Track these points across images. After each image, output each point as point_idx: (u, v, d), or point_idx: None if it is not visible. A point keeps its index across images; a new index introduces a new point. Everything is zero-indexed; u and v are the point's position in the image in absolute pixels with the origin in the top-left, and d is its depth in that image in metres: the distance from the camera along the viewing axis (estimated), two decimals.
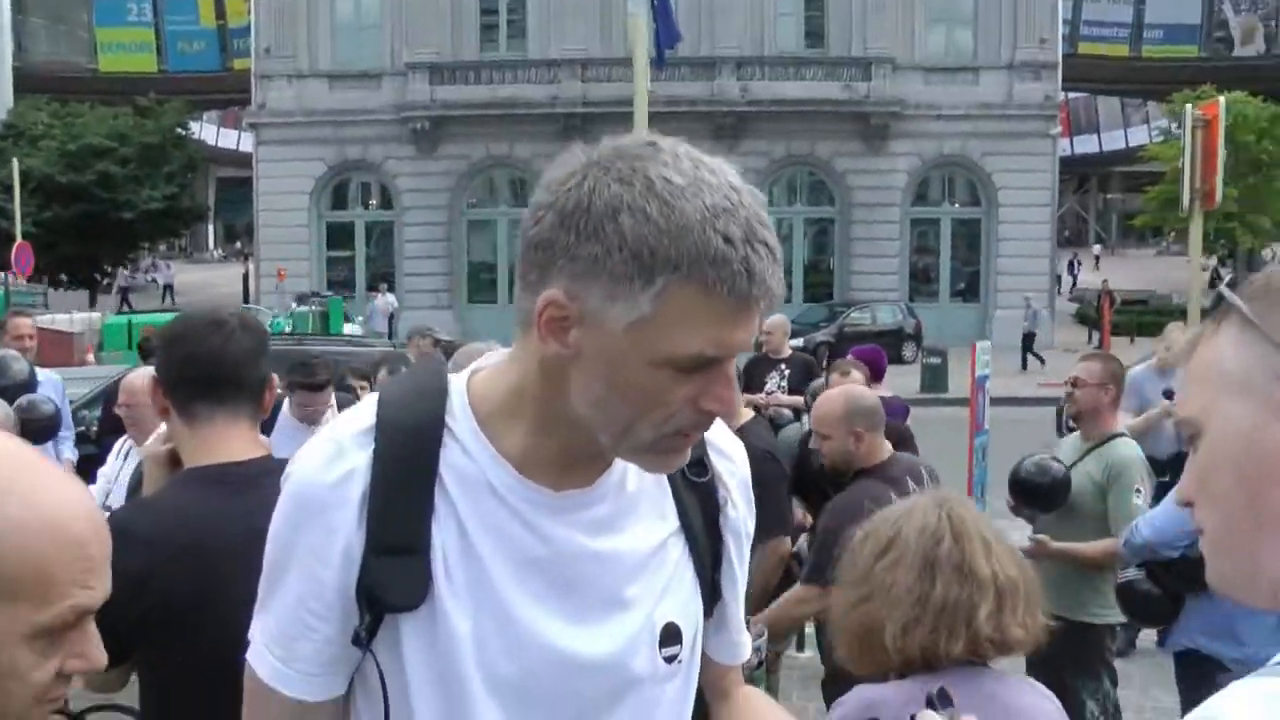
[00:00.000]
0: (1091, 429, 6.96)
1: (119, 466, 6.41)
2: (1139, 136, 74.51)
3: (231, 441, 3.04)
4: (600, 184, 1.65)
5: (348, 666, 1.85)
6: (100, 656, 1.70)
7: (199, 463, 3.03)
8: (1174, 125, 50.39)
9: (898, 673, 2.83)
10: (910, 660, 2.78)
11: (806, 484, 6.58)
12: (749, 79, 43.25)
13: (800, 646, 8.89)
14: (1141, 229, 64.99)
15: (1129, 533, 5.97)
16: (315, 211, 44.79)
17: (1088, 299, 51.88)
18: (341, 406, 7.07)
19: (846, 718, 2.76)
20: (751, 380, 11.34)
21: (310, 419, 6.76)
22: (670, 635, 1.92)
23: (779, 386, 10.95)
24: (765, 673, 5.83)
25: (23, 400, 8.00)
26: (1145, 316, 44.29)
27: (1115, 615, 6.64)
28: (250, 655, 1.89)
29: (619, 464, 1.88)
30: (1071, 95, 64.17)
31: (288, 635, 1.83)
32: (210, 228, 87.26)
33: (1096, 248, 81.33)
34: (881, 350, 10.66)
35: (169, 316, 22.51)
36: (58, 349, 19.59)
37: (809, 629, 8.07)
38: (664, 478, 1.94)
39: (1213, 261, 51.99)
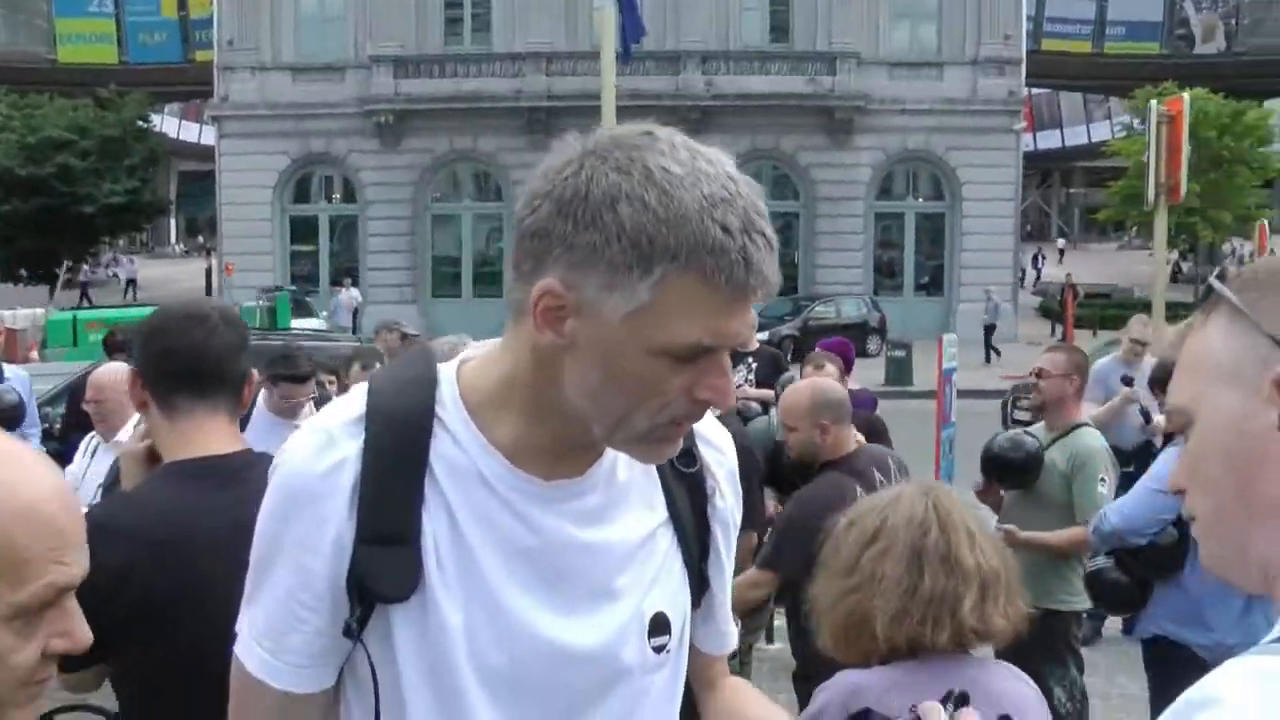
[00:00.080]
0: (1056, 419, 7.05)
1: (86, 464, 6.36)
2: (1101, 132, 74.99)
3: (211, 435, 3.02)
4: (598, 173, 1.64)
5: (337, 658, 1.84)
6: (85, 634, 1.68)
7: (178, 456, 3.01)
8: (1136, 121, 50.85)
9: (880, 659, 2.84)
10: (897, 649, 2.80)
11: (779, 476, 6.59)
12: (714, 73, 43.31)
13: (770, 639, 8.91)
14: (1104, 223, 65.37)
15: (1098, 520, 6.02)
16: (278, 205, 44.61)
17: (1051, 292, 52.22)
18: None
19: (831, 702, 2.77)
20: None
21: (291, 412, 6.72)
22: (659, 625, 1.91)
23: (746, 380, 10.94)
24: (739, 664, 5.84)
25: None
26: (1108, 310, 44.69)
27: (1081, 603, 6.72)
28: (238, 648, 1.87)
29: (609, 454, 1.87)
30: (1035, 91, 64.48)
31: (277, 627, 1.82)
32: (172, 222, 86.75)
33: (1060, 242, 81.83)
34: (850, 343, 10.71)
35: (126, 313, 22.35)
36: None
37: (778, 621, 8.10)
38: (653, 468, 1.94)
39: (1174, 255, 52.35)
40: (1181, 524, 5.79)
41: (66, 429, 10.01)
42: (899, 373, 29.62)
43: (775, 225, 1.70)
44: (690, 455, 1.99)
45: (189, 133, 76.70)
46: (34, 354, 23.40)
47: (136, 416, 6.59)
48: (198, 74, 51.69)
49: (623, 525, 1.89)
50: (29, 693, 1.66)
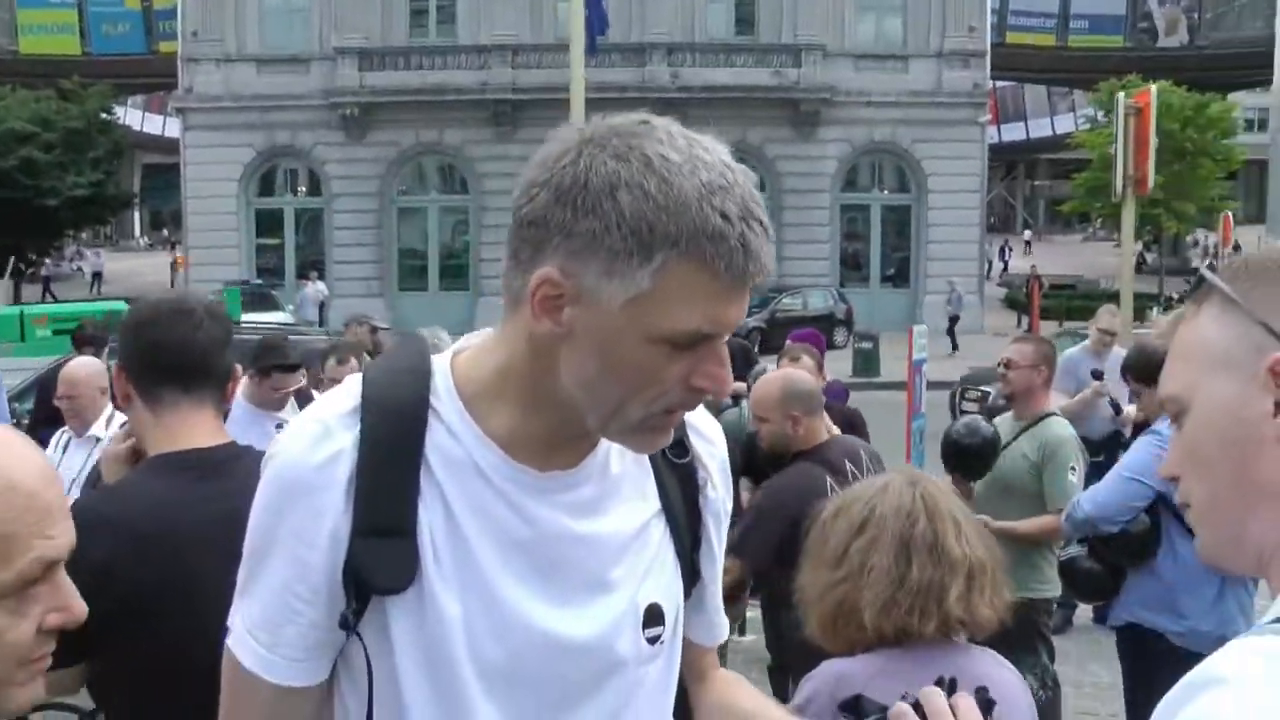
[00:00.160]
0: (1024, 409, 7.11)
1: (58, 459, 6.34)
2: (1065, 125, 75.35)
3: (197, 429, 3.01)
4: (597, 161, 1.64)
5: (332, 651, 1.83)
6: (80, 607, 1.67)
7: (164, 450, 3.00)
8: (1100, 113, 51.12)
9: (865, 648, 2.85)
10: (885, 638, 2.82)
11: (754, 467, 6.61)
12: (680, 65, 43.31)
13: (742, 631, 8.93)
14: (1069, 215, 65.73)
15: (1070, 508, 6.07)
16: (244, 198, 44.37)
17: (1016, 284, 52.48)
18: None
19: (819, 691, 2.78)
20: None
21: (276, 404, 6.70)
22: (653, 616, 1.92)
23: None
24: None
25: None
26: (1074, 301, 44.94)
27: (1052, 590, 6.78)
28: (231, 642, 1.86)
29: (603, 446, 1.88)
30: (999, 83, 64.67)
31: (272, 620, 1.80)
32: (136, 215, 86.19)
33: (1027, 233, 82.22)
34: (821, 335, 10.75)
35: (78, 308, 22.04)
36: None
37: (752, 613, 8.11)
38: (645, 459, 1.94)
39: (1138, 247, 52.66)
40: (1154, 511, 5.84)
41: (35, 424, 9.93)
42: (866, 364, 29.71)
43: None
44: (682, 446, 1.99)
45: (153, 125, 76.16)
46: None
47: (109, 410, 6.61)
48: (161, 65, 51.31)
49: (616, 516, 1.89)
50: (29, 671, 1.66)
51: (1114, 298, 23.99)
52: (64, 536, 1.63)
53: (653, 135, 1.67)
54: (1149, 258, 57.02)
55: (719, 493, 2.08)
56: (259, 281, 39.71)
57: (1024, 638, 6.52)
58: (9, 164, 45.20)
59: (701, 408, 1.93)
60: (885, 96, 43.79)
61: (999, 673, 2.91)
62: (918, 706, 1.80)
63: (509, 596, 1.79)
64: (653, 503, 1.95)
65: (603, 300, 1.65)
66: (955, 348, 35.28)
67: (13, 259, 44.12)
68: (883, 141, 44.31)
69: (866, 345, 30.57)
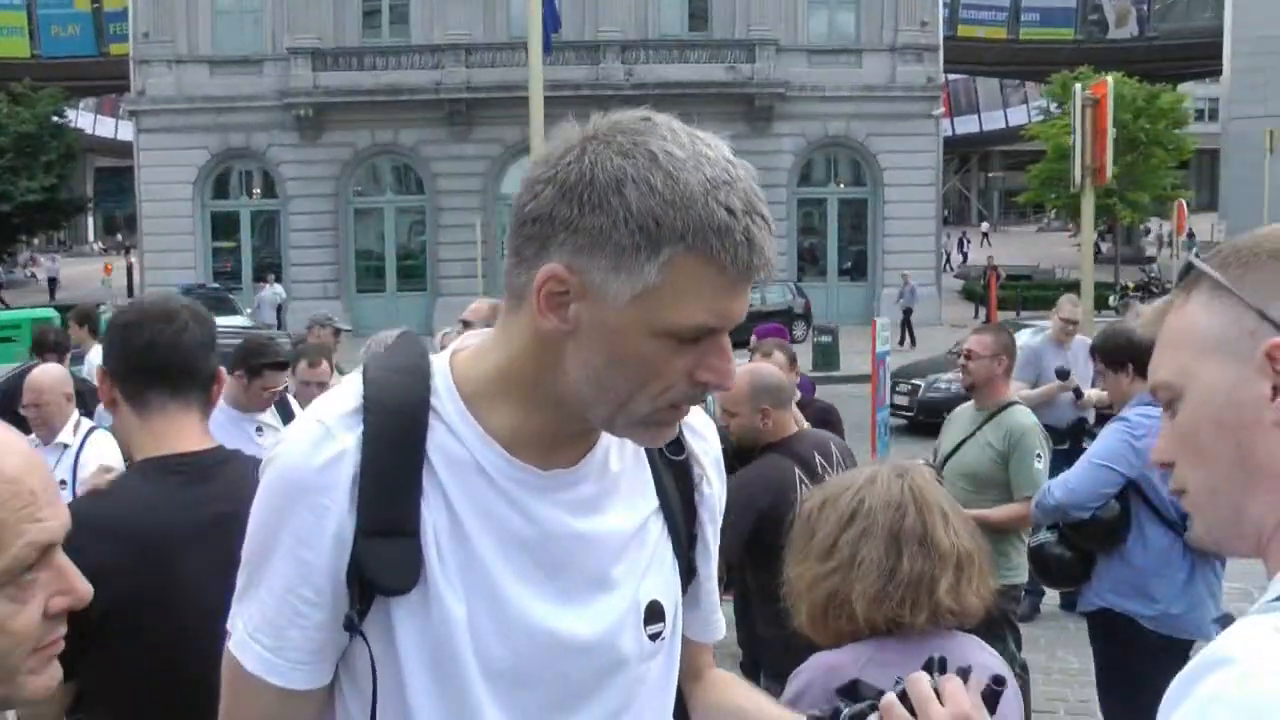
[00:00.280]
0: (986, 399, 7.17)
1: None
2: (1018, 117, 75.99)
3: (184, 432, 3.01)
4: (602, 157, 1.65)
5: (336, 653, 1.82)
6: (84, 588, 1.66)
7: (151, 454, 2.98)
8: (1053, 105, 51.52)
9: (854, 638, 2.86)
10: (876, 629, 2.84)
11: (727, 460, 6.62)
12: (633, 62, 43.29)
13: None
14: (1023, 206, 66.14)
15: (1040, 495, 6.11)
16: (199, 201, 44.07)
17: (973, 275, 52.79)
18: None
19: (812, 683, 2.78)
20: None
21: (264, 405, 6.66)
22: (654, 613, 1.93)
23: None
24: None
25: None
26: (1030, 291, 45.30)
27: (1018, 577, 6.84)
28: (232, 645, 1.84)
29: (601, 444, 1.89)
30: (952, 77, 65.02)
31: (275, 623, 1.79)
32: (90, 220, 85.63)
33: (984, 225, 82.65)
34: (784, 329, 10.76)
35: (15, 315, 21.76)
36: None
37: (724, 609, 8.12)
38: (643, 457, 1.96)
39: (1093, 236, 53.11)
40: (1123, 497, 5.89)
41: None
42: (826, 358, 29.74)
43: None
44: (678, 443, 2.01)
45: (105, 128, 75.75)
46: None
47: (76, 416, 6.56)
48: (113, 68, 51.02)
49: (616, 514, 1.89)
50: (40, 658, 1.65)
51: (1071, 287, 24.12)
52: (55, 519, 1.62)
53: (656, 132, 1.68)
54: (1103, 247, 57.44)
55: (714, 489, 2.09)
56: (216, 285, 39.46)
57: (992, 625, 6.55)
58: None
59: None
60: (839, 91, 43.90)
61: (985, 658, 2.93)
62: (904, 696, 1.82)
63: (513, 596, 1.79)
64: (651, 500, 1.96)
65: (609, 295, 1.66)
66: (913, 342, 35.40)
67: None
68: (837, 136, 44.41)
69: (826, 339, 30.58)
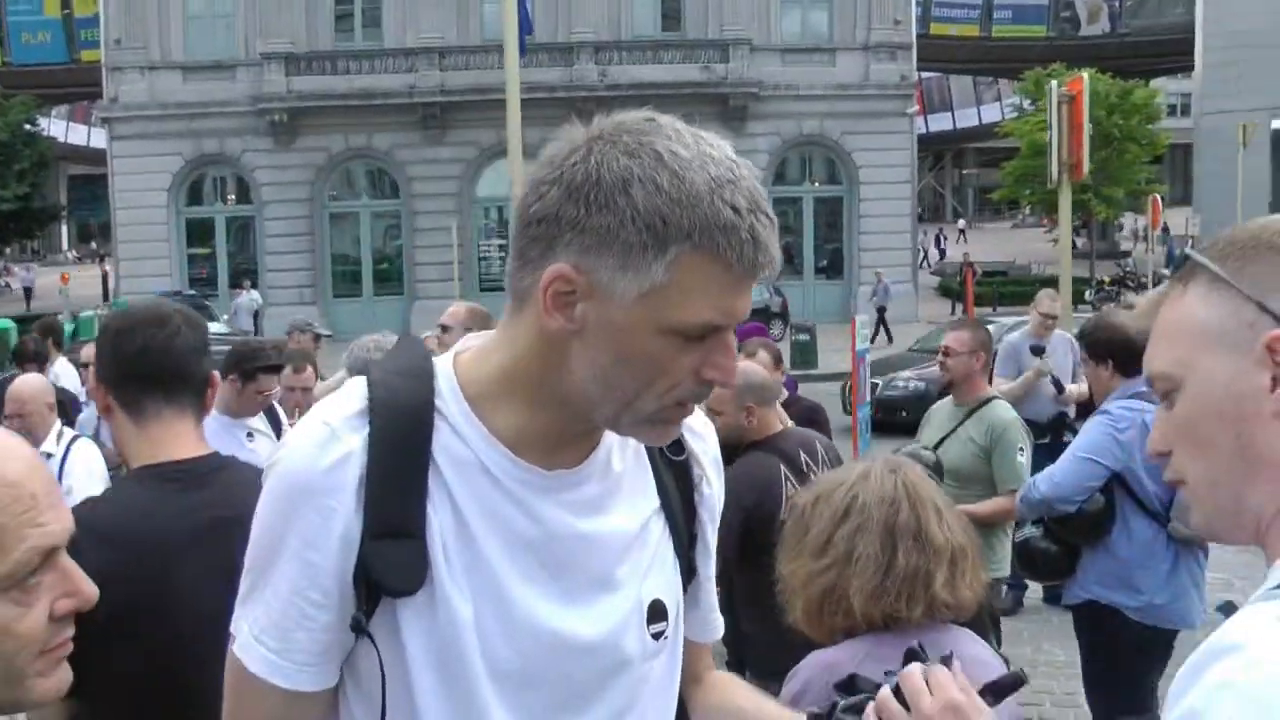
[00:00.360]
0: (965, 395, 7.23)
1: None
2: (991, 114, 76.24)
3: (181, 439, 3.00)
4: (607, 157, 1.67)
5: (341, 654, 1.82)
6: (90, 589, 1.67)
7: (147, 461, 2.97)
8: (1026, 102, 51.72)
9: (846, 635, 2.87)
10: (873, 624, 2.85)
11: None
12: (607, 63, 43.29)
13: None
14: (998, 203, 66.41)
15: (1026, 490, 6.14)
16: (173, 208, 43.86)
17: (949, 272, 52.96)
18: None
19: (812, 680, 2.79)
20: None
21: (256, 409, 6.64)
22: (656, 612, 1.93)
23: None
24: None
25: None
26: (1006, 287, 45.40)
27: (1001, 571, 6.87)
28: (236, 648, 1.83)
29: (604, 444, 1.89)
30: (925, 75, 65.18)
31: (281, 625, 1.79)
32: (64, 228, 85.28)
33: (960, 221, 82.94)
34: (765, 327, 10.78)
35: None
36: None
37: None
38: (644, 457, 1.97)
39: (1070, 232, 53.37)
40: (1107, 490, 5.91)
41: None
42: (804, 356, 29.79)
43: None
44: (678, 444, 2.02)
45: (77, 135, 75.41)
46: None
47: (58, 426, 6.53)
48: (84, 75, 50.85)
49: (619, 514, 1.90)
50: (49, 660, 1.65)
51: (1047, 282, 24.17)
52: (58, 523, 1.62)
53: (661, 132, 1.70)
54: (1078, 242, 57.65)
55: (713, 489, 2.11)
56: (192, 292, 39.31)
57: (975, 619, 6.60)
58: None
59: None
60: (813, 89, 43.95)
61: (979, 650, 2.95)
62: (898, 691, 1.83)
63: (518, 596, 1.80)
64: (652, 500, 1.97)
65: (616, 294, 1.67)
66: (890, 339, 35.48)
67: None
68: (812, 134, 44.48)
69: (804, 337, 30.63)
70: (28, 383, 6.72)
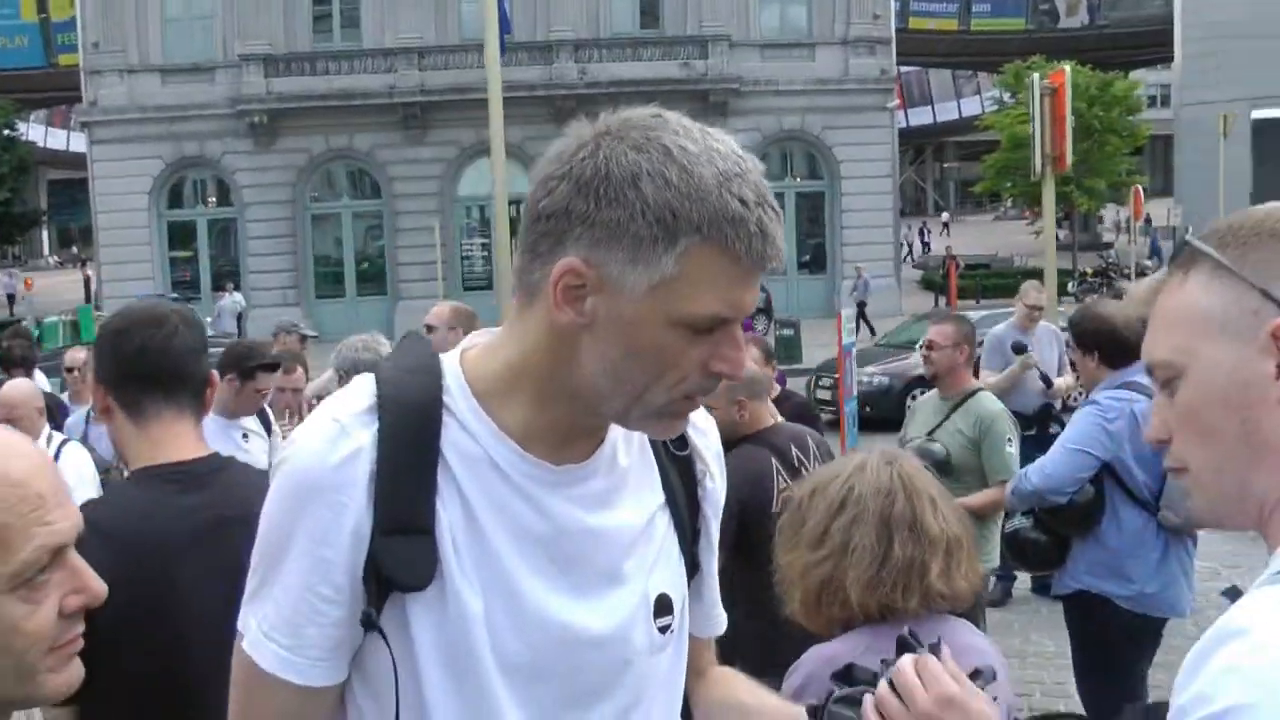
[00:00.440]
0: (950, 388, 7.26)
1: None
2: (971, 107, 76.32)
3: (180, 439, 3.00)
4: (616, 152, 1.68)
5: (350, 650, 1.83)
6: (99, 587, 1.68)
7: (148, 462, 2.97)
8: (1006, 95, 51.84)
9: (843, 626, 2.89)
10: (869, 615, 2.87)
11: None
12: (586, 61, 43.26)
13: None
14: (980, 196, 66.48)
15: (1017, 482, 6.16)
16: (155, 211, 43.72)
17: (932, 265, 53.03)
18: None
19: (813, 675, 2.80)
20: None
21: (253, 408, 6.63)
22: (663, 606, 1.95)
23: None
24: None
25: None
26: (989, 279, 45.52)
27: (990, 563, 6.88)
28: (246, 645, 1.83)
29: (610, 439, 1.91)
30: (904, 69, 65.26)
31: (293, 621, 1.79)
32: (44, 233, 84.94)
33: (944, 215, 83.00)
34: (750, 323, 10.79)
35: None
36: None
37: None
38: (649, 453, 1.99)
39: (1054, 224, 53.50)
40: (1097, 480, 5.94)
41: None
42: (788, 351, 29.80)
43: None
44: (682, 439, 2.04)
45: (56, 140, 75.11)
46: None
47: (47, 430, 6.52)
48: (63, 79, 50.56)
49: (625, 509, 1.91)
50: (59, 657, 1.66)
51: (1029, 274, 24.21)
52: (66, 521, 1.63)
53: (668, 127, 1.71)
54: (1060, 234, 57.83)
55: (716, 483, 2.12)
56: (175, 295, 39.12)
57: (971, 610, 6.62)
58: None
59: None
60: (793, 85, 43.97)
61: (975, 640, 2.98)
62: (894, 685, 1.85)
63: (528, 590, 1.81)
64: (657, 495, 1.99)
65: (626, 287, 1.69)
66: (872, 332, 35.53)
67: None
68: (792, 129, 44.48)
69: (788, 333, 30.68)
70: (17, 387, 6.72)
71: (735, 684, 2.29)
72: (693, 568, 2.06)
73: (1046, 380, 10.45)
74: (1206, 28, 51.33)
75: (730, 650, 5.33)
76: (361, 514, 1.75)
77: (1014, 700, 2.97)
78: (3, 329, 21.95)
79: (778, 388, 6.60)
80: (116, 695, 2.76)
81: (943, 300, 42.60)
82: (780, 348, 29.86)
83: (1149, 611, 5.98)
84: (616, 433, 1.91)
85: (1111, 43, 65.88)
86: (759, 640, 3.69)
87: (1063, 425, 8.94)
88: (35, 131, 70.18)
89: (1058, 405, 10.56)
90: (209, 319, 35.89)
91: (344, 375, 6.78)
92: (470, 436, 1.81)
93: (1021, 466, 6.65)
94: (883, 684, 1.86)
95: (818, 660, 2.86)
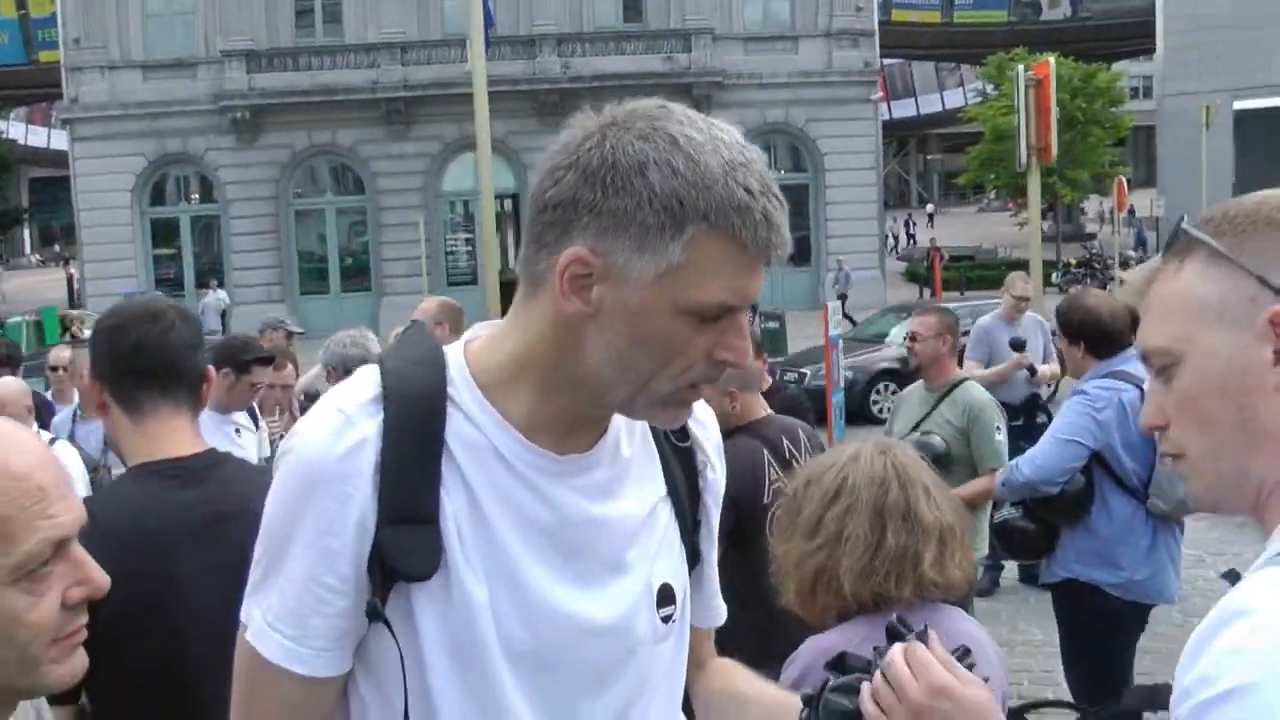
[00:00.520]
0: (935, 378, 7.30)
1: None
2: (954, 99, 76.48)
3: (177, 434, 3.00)
4: (622, 142, 1.69)
5: (355, 640, 1.83)
6: (101, 579, 1.69)
7: (145, 458, 2.97)
8: (989, 87, 51.93)
9: (838, 616, 2.90)
10: (863, 604, 2.88)
11: None
12: (570, 56, 43.27)
13: None
14: (963, 188, 66.62)
15: (1008, 473, 6.17)
16: (137, 208, 43.63)
17: (916, 257, 53.13)
18: None
19: (811, 666, 2.81)
20: None
21: (247, 402, 6.62)
22: (665, 596, 1.95)
23: None
24: None
25: None
26: (973, 271, 45.60)
27: (978, 552, 6.90)
28: (250, 636, 1.83)
29: (612, 429, 1.91)
30: (887, 61, 65.36)
31: (297, 611, 1.79)
32: (26, 231, 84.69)
33: (929, 207, 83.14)
34: None
35: None
36: None
37: None
38: (651, 443, 2.00)
39: (1040, 215, 53.60)
40: (1086, 469, 5.96)
41: None
42: (774, 343, 29.74)
43: None
44: (683, 431, 2.05)
45: (37, 138, 74.89)
46: None
47: (34, 429, 6.50)
48: (43, 76, 50.45)
49: (628, 499, 1.92)
50: (63, 648, 1.67)
51: (1013, 266, 24.25)
52: (68, 514, 1.63)
53: (673, 117, 1.72)
54: (1044, 225, 57.93)
55: (717, 474, 2.14)
56: (159, 293, 39.12)
57: (965, 598, 6.66)
58: None
59: None
60: (776, 78, 44.03)
61: (969, 628, 2.98)
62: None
63: (533, 579, 1.81)
64: (659, 485, 1.99)
65: (633, 276, 1.69)
66: (853, 325, 35.57)
67: None
68: (776, 122, 44.50)
69: (773, 325, 30.60)
70: (7, 385, 6.70)
71: (734, 675, 2.30)
72: (694, 558, 2.07)
73: (1031, 368, 10.49)
74: (1188, 19, 51.42)
75: (725, 641, 5.35)
76: (367, 504, 1.75)
77: (1006, 686, 2.98)
78: None
79: (769, 380, 6.60)
80: (117, 690, 2.77)
81: (927, 292, 42.64)
82: (766, 340, 29.78)
83: (1138, 599, 6.01)
84: (619, 423, 1.92)
85: (1094, 34, 66.05)
86: (749, 629, 3.71)
87: (1049, 415, 8.98)
88: (16, 129, 70.10)
89: (1044, 394, 10.61)
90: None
91: (332, 371, 6.79)
92: (475, 427, 1.81)
93: (1009, 457, 6.68)
94: (877, 676, 1.87)
95: (815, 651, 2.87)
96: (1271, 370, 1.51)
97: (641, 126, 1.70)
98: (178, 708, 2.78)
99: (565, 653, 1.84)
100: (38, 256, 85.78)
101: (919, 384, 7.46)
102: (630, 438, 1.95)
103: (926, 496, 2.92)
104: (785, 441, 5.57)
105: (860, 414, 16.62)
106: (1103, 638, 6.10)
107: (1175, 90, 51.00)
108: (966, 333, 10.42)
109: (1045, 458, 6.01)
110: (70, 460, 6.20)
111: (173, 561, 2.79)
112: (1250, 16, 48.45)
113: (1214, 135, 41.78)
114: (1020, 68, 16.05)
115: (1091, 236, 58.38)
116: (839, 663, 2.02)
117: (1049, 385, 10.77)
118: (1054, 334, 8.45)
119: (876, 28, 45.84)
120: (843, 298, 37.50)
